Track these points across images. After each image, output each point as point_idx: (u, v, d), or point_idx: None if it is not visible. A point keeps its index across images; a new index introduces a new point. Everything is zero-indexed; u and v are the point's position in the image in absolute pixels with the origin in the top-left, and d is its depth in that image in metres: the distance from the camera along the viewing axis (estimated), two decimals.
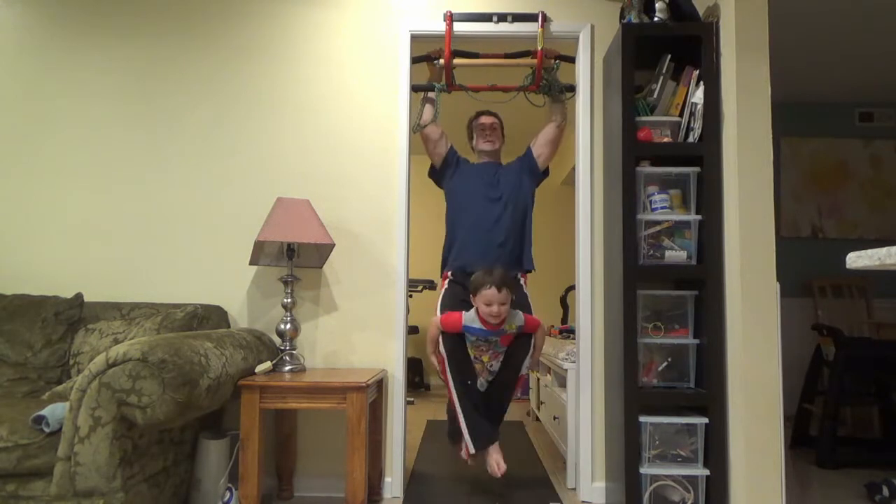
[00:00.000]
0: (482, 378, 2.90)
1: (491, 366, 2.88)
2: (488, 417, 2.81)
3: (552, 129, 3.15)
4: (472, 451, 2.73)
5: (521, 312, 2.82)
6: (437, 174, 3.24)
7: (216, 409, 2.44)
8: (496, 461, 2.71)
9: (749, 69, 2.33)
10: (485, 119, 3.22)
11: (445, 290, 3.07)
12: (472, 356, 2.84)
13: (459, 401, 2.76)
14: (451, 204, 3.16)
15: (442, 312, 2.92)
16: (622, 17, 2.64)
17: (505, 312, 2.72)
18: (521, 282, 3.05)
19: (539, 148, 3.16)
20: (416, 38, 3.01)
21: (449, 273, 3.09)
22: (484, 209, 3.04)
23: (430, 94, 3.11)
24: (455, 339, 2.79)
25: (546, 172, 3.22)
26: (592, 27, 2.98)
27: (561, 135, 3.17)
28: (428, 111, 3.12)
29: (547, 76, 3.02)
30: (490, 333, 2.79)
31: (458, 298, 2.96)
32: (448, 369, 2.77)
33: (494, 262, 2.89)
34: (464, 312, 2.81)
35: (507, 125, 3.50)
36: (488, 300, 2.68)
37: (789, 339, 4.27)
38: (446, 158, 3.18)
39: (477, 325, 2.77)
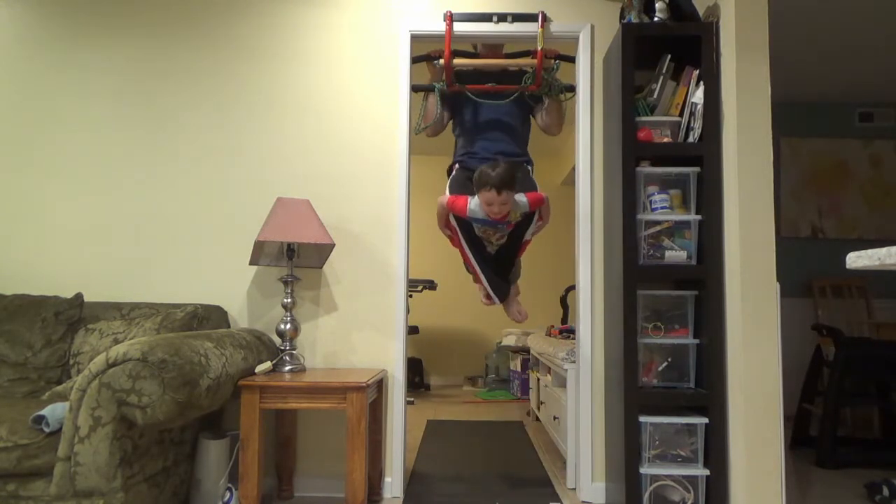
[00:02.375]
0: (491, 248, 3.04)
1: (499, 241, 3.00)
2: (501, 276, 3.06)
3: (540, 123, 3.16)
4: (497, 302, 3.10)
5: (524, 197, 2.84)
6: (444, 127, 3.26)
7: (216, 409, 2.44)
8: (517, 310, 3.12)
9: (749, 69, 2.33)
10: (483, 47, 3.18)
11: (453, 175, 3.10)
12: (480, 235, 2.99)
13: (478, 265, 3.01)
14: (456, 118, 3.18)
15: (450, 191, 2.99)
16: (622, 17, 2.64)
17: (506, 210, 2.77)
18: (529, 168, 3.08)
19: (537, 119, 3.18)
20: (416, 38, 3.01)
21: (456, 164, 3.12)
22: (486, 109, 3.06)
23: (429, 106, 3.10)
24: (464, 221, 2.93)
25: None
26: (592, 27, 2.98)
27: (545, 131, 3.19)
28: (429, 113, 3.11)
29: (547, 76, 3.02)
30: (495, 222, 2.87)
31: (466, 178, 2.99)
32: (462, 242, 3.00)
33: (498, 148, 2.98)
34: (469, 198, 2.85)
35: None
36: (488, 201, 2.73)
37: (789, 339, 4.27)
38: (450, 112, 3.18)
39: (481, 214, 2.83)
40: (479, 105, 3.09)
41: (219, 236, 2.96)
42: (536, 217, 2.97)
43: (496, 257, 3.06)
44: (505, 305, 3.15)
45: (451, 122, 3.24)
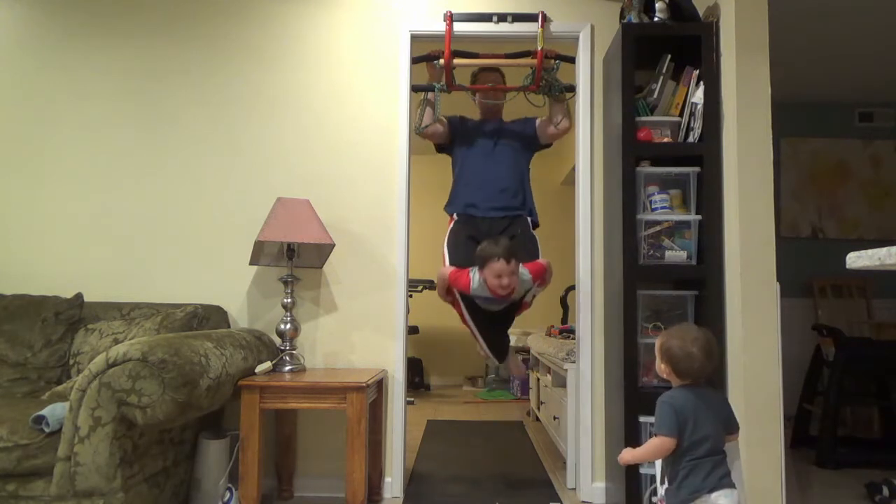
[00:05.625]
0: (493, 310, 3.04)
1: (500, 309, 3.00)
2: (499, 335, 3.13)
3: (552, 130, 3.12)
4: (497, 364, 3.26)
5: (527, 272, 2.80)
6: (445, 150, 3.24)
7: (216, 409, 2.44)
8: (515, 366, 3.28)
9: (749, 69, 2.33)
10: (487, 75, 3.15)
11: (451, 230, 3.09)
12: (481, 306, 2.98)
13: (477, 329, 3.03)
14: (456, 157, 3.17)
15: (448, 253, 2.98)
16: (622, 17, 2.64)
17: (515, 283, 2.71)
18: (528, 222, 3.08)
19: (540, 132, 3.15)
20: (416, 38, 3.01)
21: (454, 215, 3.10)
22: (486, 160, 3.05)
23: (430, 97, 3.10)
24: (465, 295, 2.91)
25: (549, 144, 3.22)
26: (592, 27, 2.98)
27: (562, 134, 3.16)
28: (428, 114, 3.11)
29: (547, 76, 3.01)
30: (500, 301, 2.85)
31: (465, 237, 2.99)
32: (462, 308, 2.99)
33: (498, 204, 2.99)
34: (471, 275, 2.79)
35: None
36: (497, 273, 2.66)
37: (789, 339, 4.25)
38: (451, 133, 3.17)
39: (485, 293, 2.77)
40: (479, 139, 3.08)
41: (219, 236, 2.96)
42: (537, 283, 2.93)
43: (493, 317, 3.02)
44: (505, 364, 3.25)
45: (450, 143, 3.20)
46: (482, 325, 3.02)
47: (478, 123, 3.19)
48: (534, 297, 3.05)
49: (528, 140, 3.15)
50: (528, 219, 3.08)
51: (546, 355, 3.96)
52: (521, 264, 2.76)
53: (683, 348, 1.80)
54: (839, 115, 4.81)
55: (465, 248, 2.94)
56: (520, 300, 3.00)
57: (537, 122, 3.14)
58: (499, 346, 3.12)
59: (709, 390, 1.87)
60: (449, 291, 2.97)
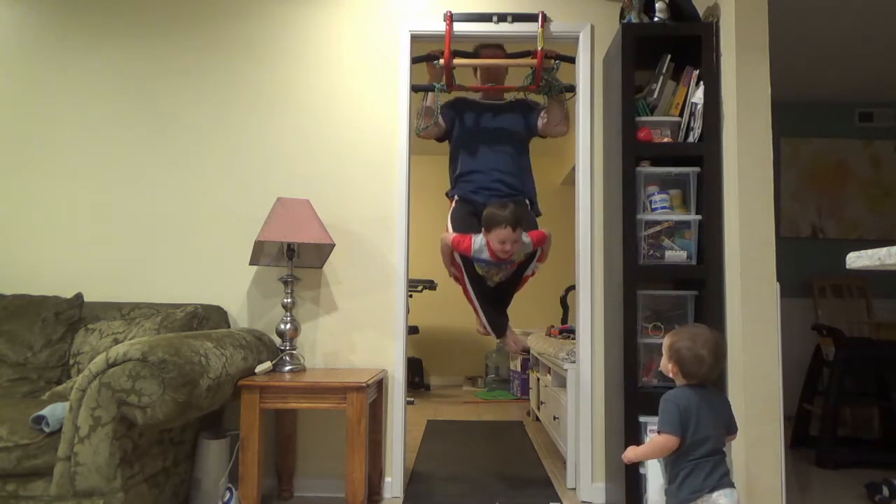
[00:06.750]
0: (491, 283, 3.06)
1: (501, 278, 3.02)
2: (499, 311, 3.09)
3: (551, 130, 3.12)
4: (495, 338, 3.18)
5: (527, 237, 2.85)
6: (445, 137, 3.23)
7: (216, 409, 2.44)
8: (513, 341, 3.16)
9: (749, 69, 2.33)
10: (489, 53, 3.10)
11: (454, 208, 3.11)
12: (482, 274, 3.01)
13: (478, 301, 3.04)
14: (453, 144, 3.17)
15: (453, 226, 3.00)
16: (622, 17, 2.64)
17: (517, 248, 2.78)
18: (528, 203, 3.09)
19: (541, 127, 3.14)
20: (416, 39, 3.01)
21: (456, 196, 3.12)
22: (485, 148, 3.06)
23: (429, 103, 3.08)
24: (467, 259, 2.94)
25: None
26: (592, 27, 2.98)
27: (560, 135, 3.16)
28: (428, 114, 3.11)
29: (547, 76, 3.01)
30: (500, 263, 2.88)
31: (468, 213, 3.02)
32: (465, 279, 3.01)
33: (497, 191, 2.99)
34: (473, 239, 2.84)
35: None
36: (502, 238, 2.72)
37: (789, 339, 4.24)
38: (449, 126, 3.16)
39: (486, 255, 2.83)
40: (479, 124, 3.08)
41: (219, 236, 2.96)
42: (538, 254, 3.00)
43: (495, 291, 3.07)
44: (503, 339, 3.21)
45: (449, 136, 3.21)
46: (483, 299, 3.05)
47: (477, 108, 3.14)
48: (533, 273, 3.10)
49: (526, 127, 3.15)
50: (527, 200, 3.09)
51: (546, 355, 3.96)
52: (525, 233, 2.83)
53: (693, 350, 1.80)
54: (839, 115, 4.82)
55: (468, 222, 2.97)
56: (521, 274, 3.04)
57: (539, 122, 3.13)
58: (498, 321, 3.13)
59: (712, 390, 1.87)
60: (452, 262, 3.01)
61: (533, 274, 3.13)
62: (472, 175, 3.05)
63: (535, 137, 3.21)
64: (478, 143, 3.07)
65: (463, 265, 2.99)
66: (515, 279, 3.07)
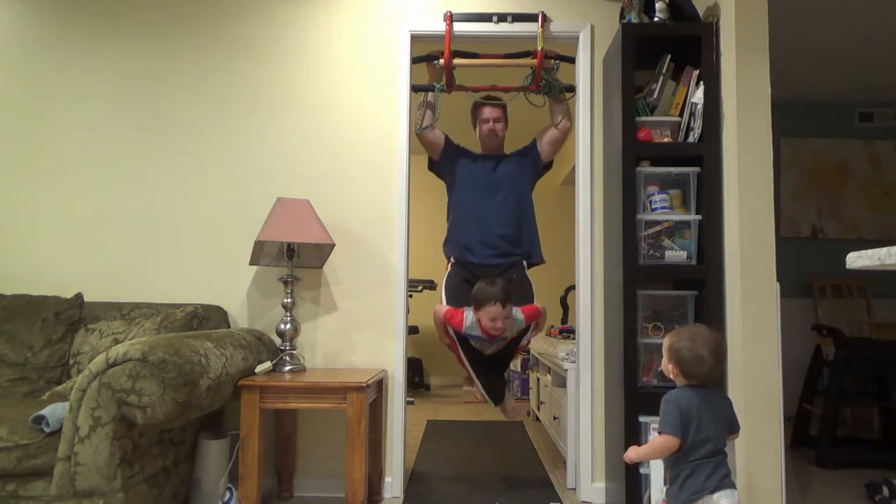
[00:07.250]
0: (486, 352, 3.06)
1: (494, 350, 3.02)
2: (496, 378, 3.16)
3: (553, 132, 3.13)
4: (495, 406, 3.21)
5: (520, 313, 2.85)
6: (436, 167, 3.24)
7: (216, 409, 2.44)
8: (511, 408, 3.22)
9: (749, 69, 2.33)
10: (488, 112, 3.15)
11: (449, 273, 3.13)
12: (476, 347, 3.01)
13: (474, 372, 3.07)
14: (452, 195, 3.18)
15: (446, 295, 3.02)
16: (622, 17, 2.64)
17: (508, 325, 2.79)
18: (524, 265, 3.09)
19: (543, 146, 3.16)
20: (416, 39, 3.01)
21: (451, 258, 3.14)
22: (483, 200, 3.06)
23: (430, 99, 3.10)
24: (461, 334, 2.94)
25: (549, 165, 3.24)
26: (592, 27, 2.98)
27: (564, 136, 3.16)
28: (428, 115, 3.11)
29: (547, 76, 3.01)
30: (492, 340, 2.89)
31: (461, 280, 3.03)
32: (459, 350, 3.02)
33: (494, 250, 3.00)
34: (464, 314, 2.86)
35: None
36: (493, 316, 2.73)
37: (789, 339, 4.24)
38: (444, 152, 3.18)
39: (477, 332, 2.85)
40: (478, 176, 3.09)
41: (219, 236, 2.96)
42: (532, 328, 3.00)
43: (490, 360, 3.07)
44: (501, 405, 3.23)
45: (440, 162, 3.21)
46: (478, 368, 3.06)
47: (475, 156, 3.19)
48: (529, 341, 3.13)
49: (530, 165, 3.15)
50: (525, 262, 3.09)
51: (546, 355, 3.96)
52: (518, 308, 2.86)
53: (693, 350, 1.80)
54: (839, 115, 4.81)
55: (462, 292, 2.99)
56: (516, 344, 3.05)
57: (540, 143, 3.16)
58: (495, 388, 3.16)
59: (713, 390, 1.87)
60: (446, 333, 3.02)
61: (528, 343, 3.18)
62: (470, 227, 3.06)
63: (543, 174, 3.23)
64: (477, 194, 3.08)
65: (456, 337, 2.99)
66: (511, 348, 3.08)
